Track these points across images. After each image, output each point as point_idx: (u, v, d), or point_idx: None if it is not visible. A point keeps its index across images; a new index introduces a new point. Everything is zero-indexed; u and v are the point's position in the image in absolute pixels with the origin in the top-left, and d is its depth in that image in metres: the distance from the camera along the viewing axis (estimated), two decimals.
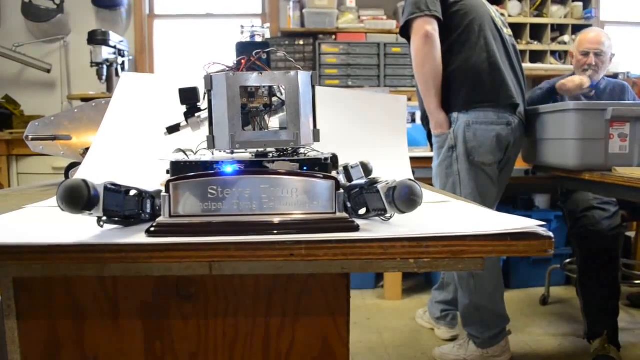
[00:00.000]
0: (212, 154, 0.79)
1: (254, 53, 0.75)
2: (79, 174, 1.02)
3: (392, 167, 1.18)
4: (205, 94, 0.75)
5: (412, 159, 1.27)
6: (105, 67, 3.25)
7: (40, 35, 3.63)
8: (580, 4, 3.82)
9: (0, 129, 3.26)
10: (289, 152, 0.75)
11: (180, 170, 0.70)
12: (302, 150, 0.78)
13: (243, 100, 0.73)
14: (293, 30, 3.63)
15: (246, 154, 0.76)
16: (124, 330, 0.66)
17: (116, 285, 0.65)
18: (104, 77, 3.26)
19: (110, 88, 3.29)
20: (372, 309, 2.78)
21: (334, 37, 3.65)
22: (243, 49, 0.78)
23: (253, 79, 0.72)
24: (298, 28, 3.61)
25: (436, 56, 1.93)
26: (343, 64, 3.61)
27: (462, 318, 2.14)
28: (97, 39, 3.17)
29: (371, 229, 0.60)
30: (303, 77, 0.73)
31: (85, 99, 3.29)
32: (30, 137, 1.19)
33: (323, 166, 0.72)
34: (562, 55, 3.86)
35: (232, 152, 0.74)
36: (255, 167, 0.69)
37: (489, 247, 0.57)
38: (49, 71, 3.55)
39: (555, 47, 3.82)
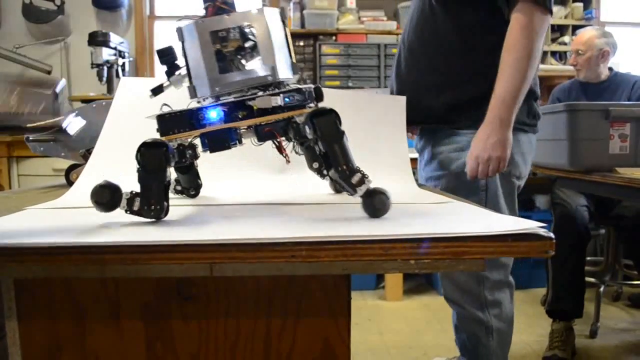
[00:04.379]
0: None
1: None
2: (82, 177, 1.03)
3: (392, 168, 1.18)
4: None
5: (413, 160, 1.27)
6: (105, 68, 3.24)
7: (41, 36, 3.63)
8: (581, 4, 3.82)
9: (1, 130, 3.26)
10: (271, 88, 0.74)
11: (167, 123, 0.70)
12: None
13: (216, 46, 0.72)
14: (293, 31, 3.63)
15: (230, 99, 0.74)
16: (125, 331, 0.66)
17: (117, 286, 0.65)
18: (105, 79, 3.26)
19: (110, 89, 3.28)
20: (373, 309, 2.78)
21: (334, 38, 3.65)
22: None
23: (221, 22, 0.71)
24: (298, 29, 3.61)
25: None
26: (343, 65, 3.61)
27: None
28: (97, 40, 3.17)
29: (372, 228, 0.60)
30: (270, 13, 0.72)
31: (86, 101, 3.29)
32: (30, 138, 1.19)
33: (304, 95, 0.71)
34: (562, 56, 3.86)
35: (218, 98, 0.72)
36: (240, 108, 0.69)
37: (490, 248, 0.57)
38: (49, 72, 3.55)
39: (555, 47, 3.82)
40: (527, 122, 1.51)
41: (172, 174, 0.79)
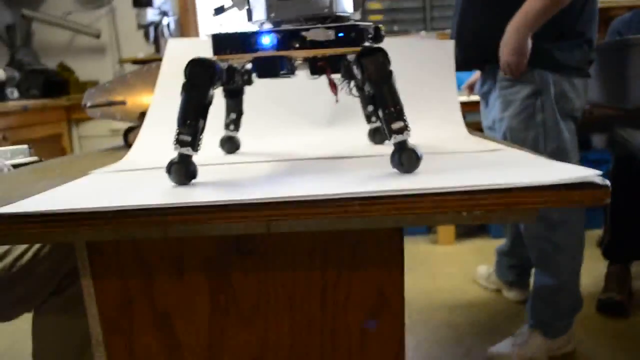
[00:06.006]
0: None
1: None
2: (139, 140, 1.07)
3: (442, 114, 1.16)
4: None
5: (464, 104, 1.25)
6: (151, 29, 3.29)
7: (88, 1, 3.70)
8: None
9: (58, 95, 3.39)
10: (328, 21, 0.73)
11: (220, 42, 0.71)
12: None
13: None
14: None
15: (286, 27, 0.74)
16: (189, 285, 0.70)
17: (181, 244, 0.69)
18: (152, 39, 3.31)
19: (158, 49, 3.34)
20: (426, 254, 2.80)
21: None
22: None
23: None
24: None
25: None
26: (387, 9, 3.52)
27: (535, 304, 1.81)
28: (141, 1, 3.21)
29: (423, 181, 0.60)
30: None
31: (136, 62, 3.37)
32: (88, 104, 1.24)
33: (360, 33, 0.70)
34: None
35: (274, 25, 0.73)
36: (293, 37, 0.69)
37: (543, 198, 0.56)
38: (98, 37, 3.63)
39: None
40: (583, 68, 1.63)
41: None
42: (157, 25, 3.33)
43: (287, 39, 0.70)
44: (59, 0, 3.70)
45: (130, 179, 0.76)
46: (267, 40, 0.70)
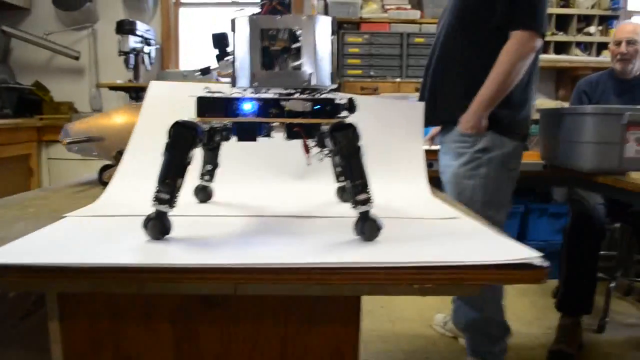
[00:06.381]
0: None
1: None
2: (114, 181, 1.10)
3: (407, 175, 1.22)
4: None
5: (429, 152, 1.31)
6: (132, 56, 3.31)
7: (70, 23, 3.72)
8: None
9: (30, 114, 3.37)
10: (307, 92, 0.78)
11: (204, 105, 0.76)
12: (324, 95, 0.81)
13: (265, 43, 0.77)
14: None
15: (268, 95, 0.80)
16: (155, 333, 0.73)
17: (150, 295, 0.72)
18: (131, 66, 3.33)
19: (137, 77, 3.35)
20: (386, 297, 2.83)
21: (357, 27, 3.67)
22: None
23: (273, 22, 0.76)
24: None
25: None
26: (366, 54, 3.63)
27: (470, 336, 2.01)
28: (124, 28, 3.23)
29: (380, 253, 0.66)
30: (322, 21, 0.77)
31: (113, 87, 3.38)
32: (66, 140, 1.26)
33: (334, 107, 0.76)
34: (587, 47, 3.82)
35: (256, 92, 0.78)
36: (272, 105, 0.75)
37: (486, 275, 0.63)
38: (77, 58, 3.64)
39: (580, 38, 3.78)
40: (526, 132, 1.88)
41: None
42: (138, 52, 3.36)
43: (267, 107, 0.75)
44: (41, 19, 3.72)
45: (105, 228, 0.80)
46: (248, 107, 0.75)
